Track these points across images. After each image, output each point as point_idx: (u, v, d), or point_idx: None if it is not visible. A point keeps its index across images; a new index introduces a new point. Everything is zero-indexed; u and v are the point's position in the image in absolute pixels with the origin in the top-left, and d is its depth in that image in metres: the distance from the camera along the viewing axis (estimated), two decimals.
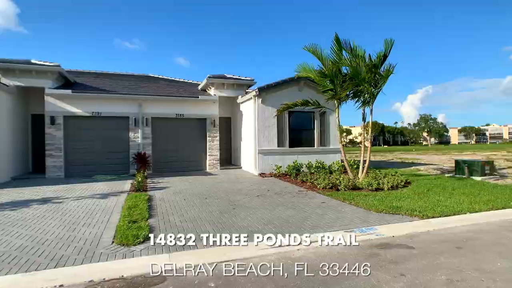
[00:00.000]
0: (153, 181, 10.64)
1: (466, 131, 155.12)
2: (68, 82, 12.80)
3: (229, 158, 15.71)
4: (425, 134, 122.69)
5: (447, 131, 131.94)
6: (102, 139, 12.34)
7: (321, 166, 12.45)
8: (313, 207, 6.92)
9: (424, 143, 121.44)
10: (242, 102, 14.06)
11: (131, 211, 6.35)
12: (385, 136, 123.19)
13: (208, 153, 13.73)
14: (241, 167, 14.26)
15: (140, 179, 9.53)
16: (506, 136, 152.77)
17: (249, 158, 13.22)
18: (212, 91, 14.15)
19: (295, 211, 6.60)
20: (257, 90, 11.93)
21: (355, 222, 5.80)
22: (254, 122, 12.35)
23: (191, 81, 16.96)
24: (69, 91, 11.58)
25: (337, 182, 9.20)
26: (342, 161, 13.39)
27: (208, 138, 13.74)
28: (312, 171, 12.17)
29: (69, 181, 10.64)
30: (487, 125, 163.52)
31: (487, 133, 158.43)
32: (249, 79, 14.26)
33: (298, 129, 13.22)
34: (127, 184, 9.92)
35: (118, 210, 6.61)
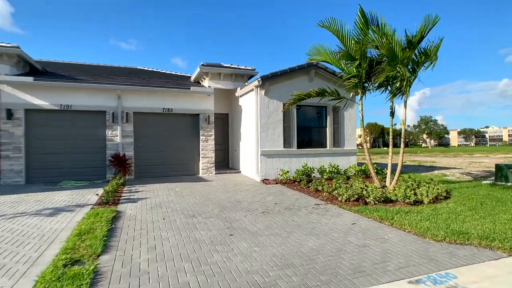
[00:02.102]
0: (131, 190, 8.57)
1: (465, 133, 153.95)
2: (34, 70, 10.72)
3: (226, 160, 13.67)
4: (424, 136, 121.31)
5: (447, 133, 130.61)
6: (73, 137, 10.26)
7: (335, 170, 10.44)
8: (343, 232, 4.89)
9: (424, 145, 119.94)
10: (241, 95, 12.03)
11: (80, 240, 4.32)
12: (384, 138, 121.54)
13: (201, 155, 11.68)
14: (240, 172, 12.22)
15: (111, 188, 7.47)
16: (506, 138, 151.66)
17: (249, 161, 11.19)
18: (206, 82, 12.12)
19: (319, 239, 4.57)
20: (259, 79, 9.91)
21: (414, 261, 3.79)
22: (255, 118, 10.33)
23: (183, 74, 14.92)
24: (30, 79, 9.48)
25: (363, 192, 7.18)
26: (360, 164, 11.38)
27: (201, 137, 11.69)
28: (325, 176, 10.15)
29: (28, 189, 8.56)
30: (486, 127, 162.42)
31: (487, 135, 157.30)
32: (250, 68, 12.25)
33: (308, 127, 11.21)
34: (97, 193, 7.84)
35: (64, 236, 4.56)
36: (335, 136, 11.31)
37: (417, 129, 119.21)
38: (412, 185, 8.02)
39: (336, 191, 7.52)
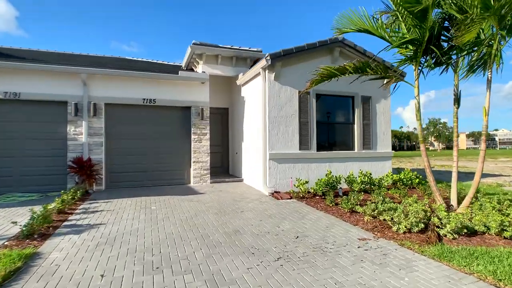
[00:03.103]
0: (88, 208, 6.08)
1: (474, 136, 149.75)
2: None
3: (225, 166, 11.16)
4: (432, 138, 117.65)
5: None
6: (23, 136, 7.83)
7: (369, 180, 7.88)
8: None
9: (431, 148, 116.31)
10: (244, 83, 9.55)
11: None
12: (398, 140, 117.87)
13: (193, 159, 9.18)
14: (242, 180, 9.70)
15: (55, 206, 5.03)
16: None
17: (255, 167, 8.67)
18: (200, 67, 9.66)
19: None
20: (268, 57, 7.41)
21: None
22: (262, 111, 7.83)
23: (174, 63, 12.46)
24: None
25: (432, 218, 4.61)
26: (397, 171, 8.75)
27: (193, 137, 9.20)
28: (356, 188, 7.60)
29: None
30: (496, 130, 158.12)
31: (497, 138, 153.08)
32: (255, 50, 9.77)
33: (330, 124, 8.68)
34: (36, 213, 5.36)
35: None
36: (365, 136, 8.76)
37: (425, 132, 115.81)
38: (489, 204, 5.41)
39: (386, 216, 4.98)
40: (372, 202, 5.84)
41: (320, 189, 7.21)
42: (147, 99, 8.70)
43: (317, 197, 7.18)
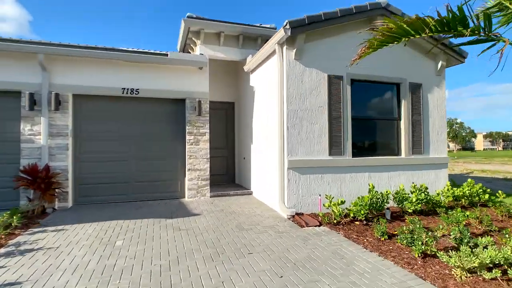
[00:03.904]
0: (19, 244, 4.08)
1: (492, 137, 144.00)
2: None
3: (230, 173, 9.09)
4: (448, 139, 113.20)
5: (475, 136, 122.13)
6: None
7: (425, 198, 5.67)
8: None
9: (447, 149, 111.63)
10: (255, 69, 7.48)
11: None
12: None
13: (188, 166, 7.14)
14: (251, 193, 7.63)
15: None
16: None
17: (268, 176, 6.58)
18: (197, 49, 7.64)
19: None
20: (287, 25, 5.29)
21: None
22: (279, 103, 5.73)
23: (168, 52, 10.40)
24: None
25: None
26: (455, 184, 6.50)
27: (188, 138, 7.16)
28: (410, 209, 5.42)
29: None
30: None
31: None
32: (268, 27, 7.70)
33: (369, 119, 6.52)
34: None
35: None
36: (415, 136, 6.57)
37: None
38: None
39: (497, 272, 2.84)
40: (448, 236, 3.68)
41: (362, 212, 5.06)
42: (128, 89, 6.72)
43: (357, 222, 5.05)
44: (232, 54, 7.66)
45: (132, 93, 6.74)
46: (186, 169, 7.14)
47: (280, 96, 5.70)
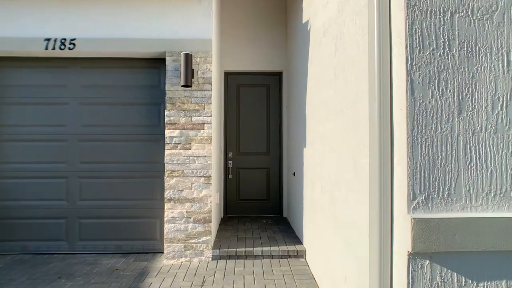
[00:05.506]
0: None
1: None
2: None
3: (274, 199, 5.12)
4: None
5: None
6: None
7: None
8: None
9: None
10: None
11: None
12: None
13: (166, 192, 3.48)
14: (302, 254, 3.54)
15: None
16: None
17: (341, 233, 2.41)
18: None
19: None
20: None
21: None
22: (377, 47, 1.56)
23: None
24: None
25: None
26: None
27: (167, 134, 3.51)
28: None
29: None
30: None
31: None
32: None
33: None
34: None
35: None
36: None
37: None
38: None
39: None
40: None
41: None
42: (55, 40, 3.47)
43: None
44: None
45: (63, 47, 3.46)
46: (165, 198, 3.50)
47: (378, 33, 1.57)
